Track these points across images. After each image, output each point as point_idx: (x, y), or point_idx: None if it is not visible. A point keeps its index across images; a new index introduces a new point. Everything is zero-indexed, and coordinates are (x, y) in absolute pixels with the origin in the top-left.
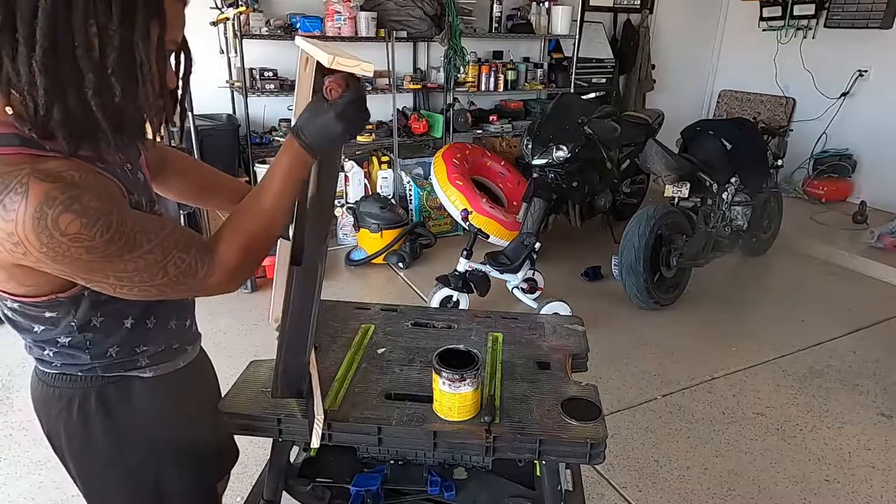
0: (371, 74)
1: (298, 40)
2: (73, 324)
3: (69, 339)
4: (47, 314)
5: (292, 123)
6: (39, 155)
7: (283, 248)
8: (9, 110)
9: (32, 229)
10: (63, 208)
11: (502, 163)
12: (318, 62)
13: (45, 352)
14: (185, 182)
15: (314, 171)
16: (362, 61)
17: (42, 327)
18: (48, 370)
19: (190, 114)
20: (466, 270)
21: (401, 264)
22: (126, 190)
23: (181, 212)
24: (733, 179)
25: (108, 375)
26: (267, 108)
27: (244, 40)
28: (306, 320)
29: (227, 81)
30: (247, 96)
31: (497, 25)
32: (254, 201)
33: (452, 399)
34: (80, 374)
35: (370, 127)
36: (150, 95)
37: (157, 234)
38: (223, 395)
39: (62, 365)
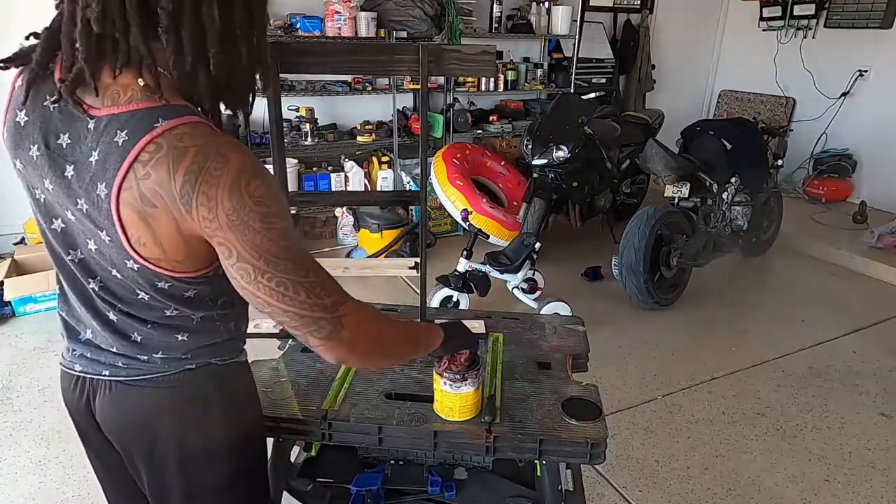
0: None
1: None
2: (208, 298)
3: (202, 314)
4: (188, 293)
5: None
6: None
7: None
8: (140, 82)
9: (229, 192)
10: (253, 175)
11: (502, 163)
12: None
13: (177, 337)
14: None
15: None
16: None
17: (176, 310)
18: (169, 371)
19: None
20: (466, 270)
21: None
22: None
23: None
24: (733, 179)
25: (221, 362)
26: (267, 109)
27: None
28: None
29: None
30: None
31: (497, 25)
32: (399, 323)
33: (453, 399)
34: (209, 360)
35: (370, 127)
36: (264, 50)
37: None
38: None
39: (194, 355)
